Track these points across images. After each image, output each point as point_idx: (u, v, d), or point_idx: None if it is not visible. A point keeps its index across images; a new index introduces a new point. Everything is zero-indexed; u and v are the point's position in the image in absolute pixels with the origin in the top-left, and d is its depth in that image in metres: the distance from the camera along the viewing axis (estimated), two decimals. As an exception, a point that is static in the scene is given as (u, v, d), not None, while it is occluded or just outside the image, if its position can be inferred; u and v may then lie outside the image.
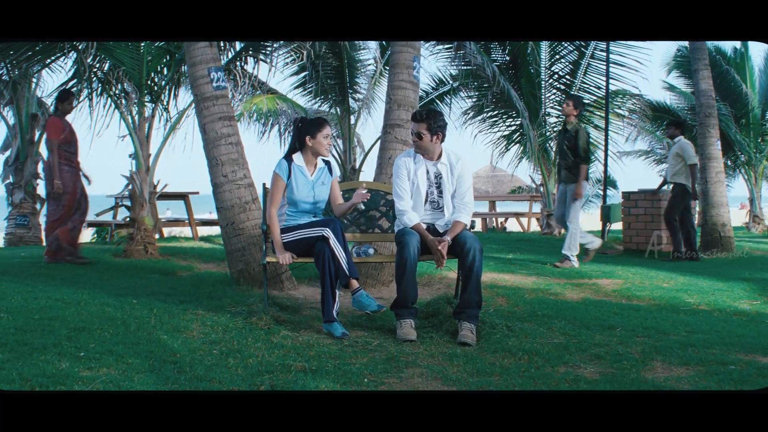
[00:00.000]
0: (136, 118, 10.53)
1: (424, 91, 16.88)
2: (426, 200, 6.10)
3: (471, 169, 6.30)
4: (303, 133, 6.11)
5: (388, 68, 9.23)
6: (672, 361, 5.08)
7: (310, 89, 16.66)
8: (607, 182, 15.42)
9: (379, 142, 8.38)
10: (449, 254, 5.90)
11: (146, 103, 10.58)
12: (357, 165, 17.33)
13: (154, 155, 10.70)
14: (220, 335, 5.43)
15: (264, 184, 6.38)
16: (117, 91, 10.40)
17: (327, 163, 6.25)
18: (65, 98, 9.51)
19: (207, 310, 6.20)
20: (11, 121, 14.12)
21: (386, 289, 7.63)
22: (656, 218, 12.01)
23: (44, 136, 10.14)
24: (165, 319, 5.78)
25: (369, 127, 55.01)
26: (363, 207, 6.68)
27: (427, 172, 6.09)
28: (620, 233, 13.33)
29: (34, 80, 13.68)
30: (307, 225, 5.94)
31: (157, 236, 12.19)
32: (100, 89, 10.57)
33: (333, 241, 5.71)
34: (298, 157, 6.13)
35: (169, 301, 6.49)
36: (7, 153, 14.36)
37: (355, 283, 5.79)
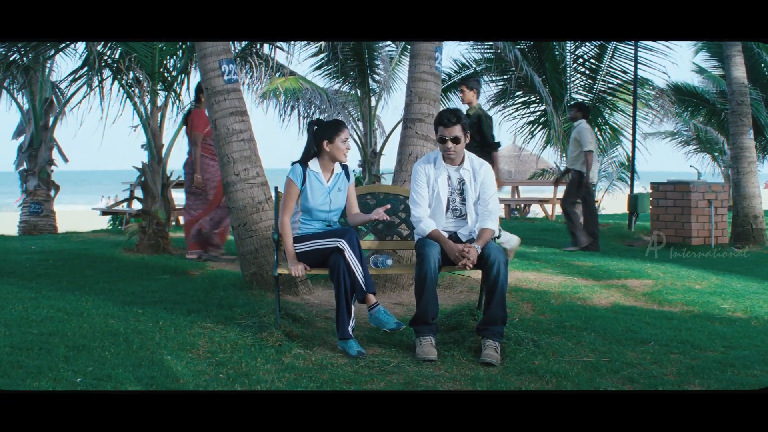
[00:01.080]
0: (149, 107, 10.22)
1: (446, 74, 16.46)
2: (447, 208, 5.74)
3: (494, 175, 5.94)
4: (319, 137, 5.71)
5: (409, 47, 8.83)
6: (711, 385, 4.76)
7: (329, 71, 16.34)
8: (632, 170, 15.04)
9: (399, 128, 8.01)
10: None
11: (159, 92, 10.25)
12: (377, 149, 17.01)
13: (167, 146, 10.38)
14: (228, 354, 5.12)
15: (276, 188, 6.03)
16: (128, 80, 10.08)
17: (344, 167, 5.87)
18: None
19: (216, 322, 5.88)
20: (25, 106, 13.89)
21: (406, 293, 7.28)
22: (686, 210, 11.56)
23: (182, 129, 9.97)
24: (171, 333, 5.48)
25: (389, 110, 54.51)
26: (383, 224, 6.29)
27: (449, 178, 5.73)
28: (648, 219, 12.92)
29: (48, 65, 13.42)
30: (321, 234, 5.59)
31: (173, 223, 11.96)
32: (111, 78, 10.26)
33: (348, 254, 5.34)
34: (313, 162, 5.74)
35: (177, 311, 6.16)
36: (21, 139, 14.16)
37: (372, 299, 5.42)
